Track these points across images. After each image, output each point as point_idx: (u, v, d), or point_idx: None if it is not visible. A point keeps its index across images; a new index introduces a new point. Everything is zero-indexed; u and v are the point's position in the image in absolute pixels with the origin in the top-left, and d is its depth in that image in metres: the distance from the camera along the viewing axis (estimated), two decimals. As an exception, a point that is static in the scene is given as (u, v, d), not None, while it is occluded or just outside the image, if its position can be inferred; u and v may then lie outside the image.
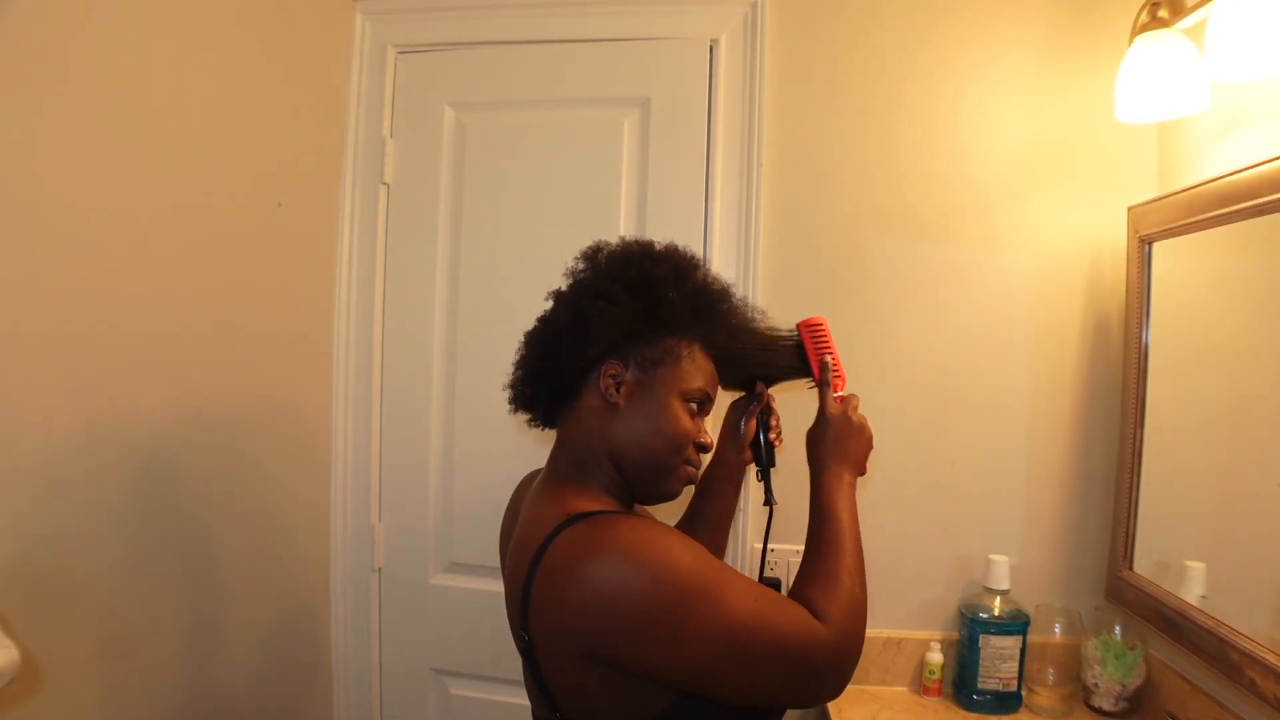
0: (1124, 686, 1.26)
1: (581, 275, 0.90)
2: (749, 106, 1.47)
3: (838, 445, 0.93)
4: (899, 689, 1.42)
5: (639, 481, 0.86)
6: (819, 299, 1.46)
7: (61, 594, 0.98)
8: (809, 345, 1.00)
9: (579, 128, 1.53)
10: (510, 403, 0.93)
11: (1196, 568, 1.18)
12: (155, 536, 1.13)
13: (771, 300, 1.45)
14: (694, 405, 0.87)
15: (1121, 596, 1.31)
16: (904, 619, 1.44)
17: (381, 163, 1.58)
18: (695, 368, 0.87)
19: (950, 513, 1.44)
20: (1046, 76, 1.41)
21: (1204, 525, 1.20)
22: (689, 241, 1.09)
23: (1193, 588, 1.16)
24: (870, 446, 0.97)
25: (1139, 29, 1.17)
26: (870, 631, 1.44)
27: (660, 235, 0.95)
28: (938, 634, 1.42)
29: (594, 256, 0.90)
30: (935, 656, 1.38)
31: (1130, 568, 1.30)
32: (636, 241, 0.91)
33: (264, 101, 1.33)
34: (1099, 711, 1.29)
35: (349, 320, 1.59)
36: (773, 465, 1.01)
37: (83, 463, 1.01)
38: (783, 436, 1.05)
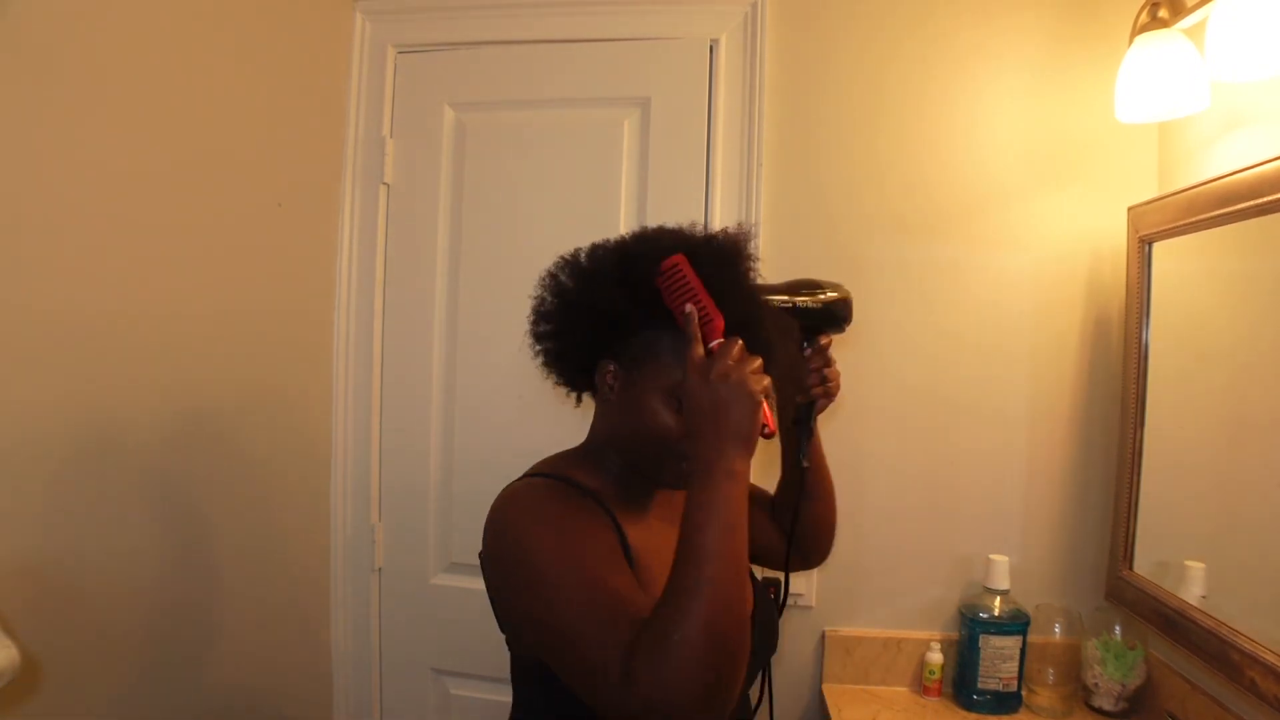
0: (1124, 686, 1.26)
1: (579, 268, 0.85)
2: (749, 106, 1.47)
3: (704, 420, 0.71)
4: (899, 689, 1.41)
5: (644, 471, 0.86)
6: (819, 299, 1.45)
7: (62, 594, 0.98)
8: (666, 297, 0.77)
9: (579, 128, 1.53)
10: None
11: (1196, 568, 1.18)
12: (156, 536, 1.13)
13: (771, 300, 1.44)
14: (678, 400, 0.79)
15: (1121, 596, 1.31)
16: (904, 619, 1.44)
17: (381, 163, 1.58)
18: (678, 362, 0.77)
19: (950, 513, 1.44)
20: (1046, 77, 1.40)
21: (1204, 525, 1.20)
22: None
23: (1193, 588, 1.16)
24: (757, 407, 0.71)
25: (1139, 29, 1.17)
26: (870, 631, 1.47)
27: None
28: (938, 634, 1.42)
29: (591, 254, 0.86)
30: (935, 656, 1.38)
31: (1130, 568, 1.30)
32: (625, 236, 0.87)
33: (264, 101, 1.33)
34: (1099, 711, 1.29)
35: (349, 321, 1.59)
36: (808, 424, 0.94)
37: (83, 463, 1.01)
38: (830, 390, 0.97)
